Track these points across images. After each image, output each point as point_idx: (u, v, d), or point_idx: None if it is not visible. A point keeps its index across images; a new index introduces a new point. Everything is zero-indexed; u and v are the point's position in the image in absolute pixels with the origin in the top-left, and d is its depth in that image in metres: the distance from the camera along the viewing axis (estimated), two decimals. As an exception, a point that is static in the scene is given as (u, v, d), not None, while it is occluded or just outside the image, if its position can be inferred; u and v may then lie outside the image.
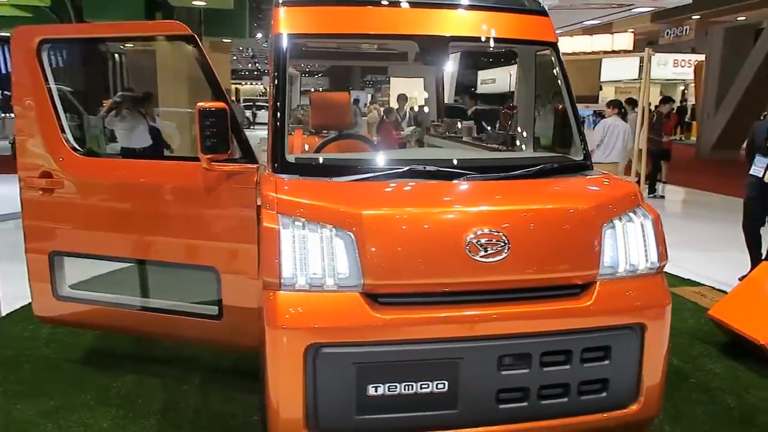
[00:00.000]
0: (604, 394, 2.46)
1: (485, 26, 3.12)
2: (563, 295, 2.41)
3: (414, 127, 9.48)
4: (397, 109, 10.91)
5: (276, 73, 2.94)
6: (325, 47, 4.66)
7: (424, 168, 2.68)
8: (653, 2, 9.59)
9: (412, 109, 11.19)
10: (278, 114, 2.87)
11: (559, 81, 3.21)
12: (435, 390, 2.30)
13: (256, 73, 53.30)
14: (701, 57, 20.39)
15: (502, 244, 2.30)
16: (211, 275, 3.19)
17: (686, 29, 11.28)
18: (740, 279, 5.53)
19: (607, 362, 2.43)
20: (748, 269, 5.62)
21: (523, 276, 2.35)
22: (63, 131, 3.39)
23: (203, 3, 9.71)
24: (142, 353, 3.88)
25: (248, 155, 3.05)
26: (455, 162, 2.79)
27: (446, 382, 2.30)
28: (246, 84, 53.17)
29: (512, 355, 2.34)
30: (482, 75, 27.53)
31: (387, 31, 3.09)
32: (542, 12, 3.29)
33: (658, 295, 2.51)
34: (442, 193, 2.52)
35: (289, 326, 2.24)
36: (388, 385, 2.27)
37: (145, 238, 3.30)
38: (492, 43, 3.17)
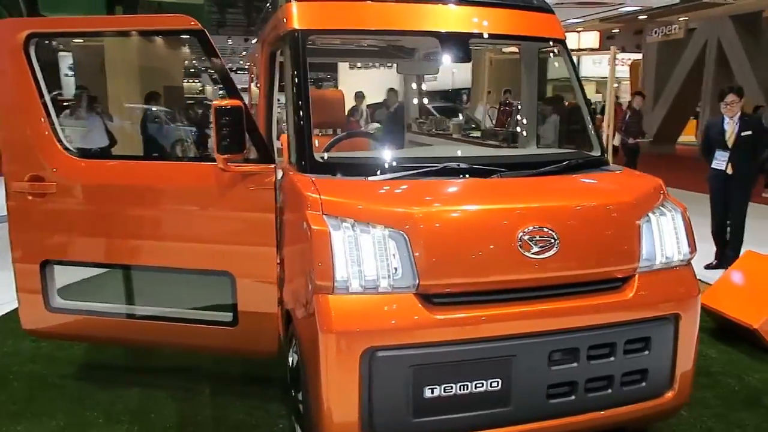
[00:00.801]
0: (644, 384, 2.52)
1: (500, 23, 3.14)
2: (606, 288, 2.45)
3: (377, 124, 9.43)
4: (354, 107, 10.80)
5: (296, 71, 2.84)
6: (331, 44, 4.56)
7: (458, 165, 2.67)
8: (642, 1, 9.92)
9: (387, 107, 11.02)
10: (301, 112, 2.77)
11: (570, 78, 3.27)
12: (489, 389, 2.29)
13: (192, 70, 51.98)
14: (638, 56, 21.32)
15: (552, 240, 2.31)
16: (217, 280, 3.07)
17: (675, 28, 11.75)
18: (706, 267, 5.84)
19: (646, 353, 2.48)
20: (713, 258, 5.96)
21: (571, 271, 2.38)
22: (56, 133, 3.18)
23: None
24: (138, 364, 3.70)
25: (264, 155, 2.94)
26: (489, 159, 2.79)
27: (500, 380, 2.29)
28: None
29: (562, 350, 2.36)
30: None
31: (403, 28, 3.04)
32: (550, 10, 3.34)
33: (691, 286, 2.59)
34: (488, 191, 2.51)
35: (345, 330, 2.17)
36: (444, 386, 2.25)
37: (153, 243, 3.13)
38: (507, 40, 3.18)
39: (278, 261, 2.94)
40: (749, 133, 5.81)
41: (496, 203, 2.41)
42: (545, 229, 2.31)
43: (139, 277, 3.33)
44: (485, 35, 3.11)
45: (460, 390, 2.26)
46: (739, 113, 5.84)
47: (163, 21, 3.20)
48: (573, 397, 2.41)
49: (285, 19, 3.00)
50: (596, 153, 3.08)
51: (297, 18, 2.93)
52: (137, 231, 3.13)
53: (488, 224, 2.32)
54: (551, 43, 3.29)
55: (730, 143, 5.81)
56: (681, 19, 13.30)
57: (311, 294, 2.25)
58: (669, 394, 2.59)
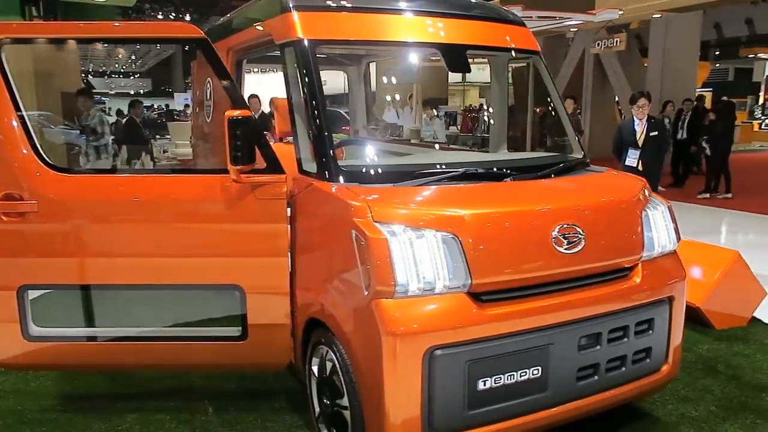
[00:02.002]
0: (648, 360, 2.82)
1: (488, 36, 3.35)
2: (618, 277, 2.72)
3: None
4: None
5: (308, 80, 2.87)
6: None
7: (477, 170, 2.83)
8: (586, 17, 10.57)
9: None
10: (318, 121, 2.80)
11: (547, 86, 3.55)
12: (531, 376, 2.47)
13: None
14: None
15: (580, 235, 2.53)
16: (213, 295, 3.01)
17: (617, 41, 12.64)
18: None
19: (651, 332, 2.78)
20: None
21: (594, 263, 2.61)
22: (34, 146, 2.95)
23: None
24: (125, 390, 3.49)
25: (274, 165, 2.93)
26: (498, 164, 2.97)
27: (540, 368, 2.48)
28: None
29: (588, 336, 2.59)
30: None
31: (401, 39, 3.15)
32: (524, 24, 3.60)
33: (680, 271, 2.93)
34: (518, 193, 2.70)
35: (409, 333, 2.25)
36: (494, 377, 2.39)
37: (156, 260, 2.99)
38: (493, 51, 3.39)
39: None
40: (656, 133, 6.55)
41: (532, 204, 2.59)
42: (574, 226, 2.53)
43: (130, 297, 3.17)
44: (475, 47, 3.29)
45: (507, 380, 2.42)
46: (647, 115, 6.56)
47: (163, 29, 3.08)
48: (596, 378, 2.65)
49: (285, 29, 3.00)
50: (579, 155, 3.38)
51: (301, 28, 2.95)
52: (137, 249, 2.97)
53: (528, 224, 2.50)
54: (529, 54, 3.55)
55: (640, 143, 6.50)
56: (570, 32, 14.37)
57: (369, 299, 2.30)
58: (665, 368, 2.91)
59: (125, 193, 2.97)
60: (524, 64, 3.78)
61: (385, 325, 2.24)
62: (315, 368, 2.87)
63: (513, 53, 3.48)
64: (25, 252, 2.99)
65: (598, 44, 13.00)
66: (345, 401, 2.56)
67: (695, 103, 12.80)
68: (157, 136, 14.49)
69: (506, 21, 3.47)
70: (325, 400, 2.76)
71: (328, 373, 2.72)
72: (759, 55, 23.70)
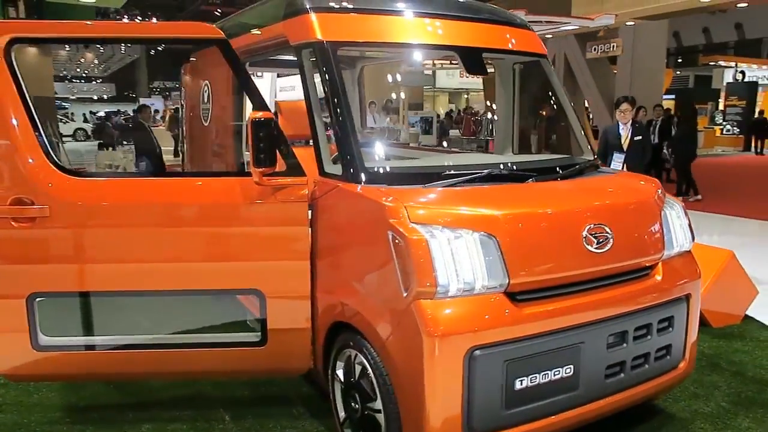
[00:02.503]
0: (668, 357, 2.87)
1: (502, 39, 3.39)
2: (641, 276, 2.77)
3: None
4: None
5: (330, 82, 2.85)
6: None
7: (501, 171, 2.86)
8: (581, 22, 10.71)
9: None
10: (346, 124, 2.78)
11: (554, 89, 3.61)
12: (564, 375, 2.49)
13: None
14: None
15: (608, 235, 2.58)
16: (225, 300, 2.95)
17: (614, 46, 12.82)
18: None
19: (671, 330, 2.84)
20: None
21: (622, 262, 2.66)
22: (45, 149, 2.86)
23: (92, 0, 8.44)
24: (133, 399, 3.39)
25: (295, 167, 2.90)
26: (520, 165, 3.00)
27: (572, 366, 2.51)
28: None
29: (615, 334, 2.63)
30: (281, 82, 27.68)
31: (420, 41, 3.16)
32: (531, 28, 3.66)
33: (695, 269, 3.00)
34: (547, 194, 2.73)
35: (450, 333, 2.25)
36: (530, 376, 2.41)
37: (171, 266, 2.92)
38: (506, 54, 3.43)
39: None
40: (640, 137, 6.71)
41: (562, 204, 2.63)
42: (602, 226, 2.57)
43: (144, 304, 3.08)
44: (490, 49, 3.33)
45: (542, 379, 2.44)
46: (631, 120, 6.72)
47: (182, 29, 3.02)
48: (622, 375, 2.69)
49: (302, 30, 2.98)
50: (590, 157, 3.43)
51: (321, 29, 2.94)
52: (155, 254, 2.90)
53: (560, 224, 2.53)
54: (537, 57, 3.60)
55: (625, 146, 6.65)
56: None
57: (408, 301, 2.29)
58: (682, 365, 2.97)
59: (142, 197, 2.90)
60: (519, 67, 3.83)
61: (427, 327, 2.24)
62: (340, 372, 2.84)
63: (524, 56, 3.52)
64: (35, 259, 2.89)
65: (594, 49, 13.24)
66: (378, 404, 2.54)
67: (665, 108, 13.20)
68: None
69: (515, 25, 3.52)
70: (353, 404, 2.73)
71: (356, 377, 2.69)
72: (720, 62, 24.54)
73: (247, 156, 4.61)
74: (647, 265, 2.80)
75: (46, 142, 2.88)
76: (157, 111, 29.47)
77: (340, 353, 2.83)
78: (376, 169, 2.75)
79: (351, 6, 3.06)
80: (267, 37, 3.45)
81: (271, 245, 2.92)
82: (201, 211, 2.90)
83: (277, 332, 2.96)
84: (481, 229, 2.36)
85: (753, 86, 23.75)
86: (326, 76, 2.87)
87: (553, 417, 2.50)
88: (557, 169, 3.05)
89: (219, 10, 29.15)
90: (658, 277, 2.80)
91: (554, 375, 2.46)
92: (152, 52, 38.84)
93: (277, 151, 2.77)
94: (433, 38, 3.15)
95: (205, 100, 4.65)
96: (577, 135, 3.52)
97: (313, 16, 2.98)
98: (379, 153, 3.44)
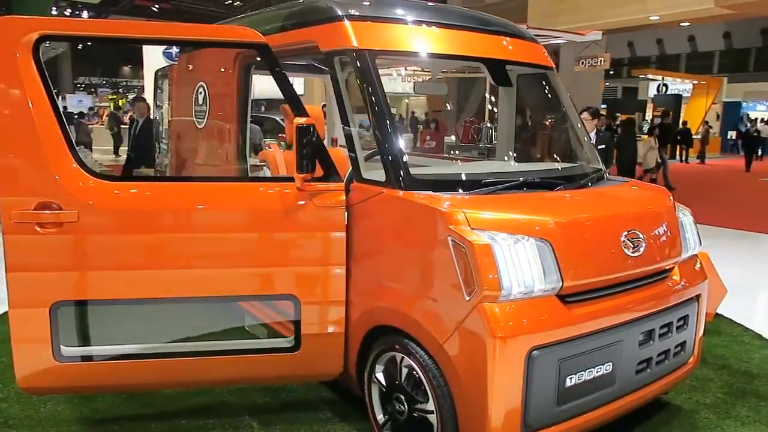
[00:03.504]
0: (683, 353, 3.09)
1: (522, 52, 3.53)
2: (663, 278, 2.97)
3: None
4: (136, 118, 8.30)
5: (371, 90, 2.90)
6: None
7: (534, 179, 2.99)
8: (571, 36, 10.97)
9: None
10: (389, 130, 2.84)
11: (563, 101, 3.79)
12: (604, 372, 2.64)
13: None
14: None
15: (641, 240, 2.75)
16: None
17: (601, 60, 13.14)
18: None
19: (686, 328, 3.06)
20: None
21: (651, 266, 2.84)
22: (73, 151, 2.76)
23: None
24: (153, 409, 3.28)
25: (332, 173, 2.92)
26: (545, 173, 3.15)
27: (611, 363, 2.66)
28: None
29: (645, 332, 2.80)
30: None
31: (450, 52, 3.25)
32: (538, 41, 3.83)
33: (703, 270, 3.24)
34: (585, 201, 2.88)
35: (514, 335, 2.35)
36: (578, 374, 2.54)
37: (206, 272, 2.87)
38: (524, 67, 3.58)
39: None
40: (603, 147, 7.07)
41: (603, 211, 2.79)
42: (636, 231, 2.75)
43: (175, 310, 3.01)
44: (512, 62, 3.46)
45: (587, 376, 2.58)
46: (595, 130, 7.07)
47: (221, 32, 2.97)
48: (648, 371, 2.87)
49: (336, 37, 3.01)
50: (599, 166, 3.63)
51: (356, 37, 2.98)
52: (190, 260, 2.84)
53: (604, 229, 2.69)
54: (546, 69, 3.77)
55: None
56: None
57: (472, 304, 2.37)
58: (692, 360, 3.20)
59: (177, 202, 2.84)
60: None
61: (492, 329, 2.32)
62: (380, 375, 2.88)
63: (538, 68, 3.67)
64: (61, 266, 2.77)
65: (582, 63, 13.71)
66: (430, 405, 2.60)
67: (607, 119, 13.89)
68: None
69: (527, 39, 3.68)
70: (397, 406, 2.78)
71: (402, 380, 2.75)
72: (648, 75, 26.08)
73: (252, 160, 4.59)
74: (667, 267, 3.00)
75: (74, 144, 2.78)
76: (92, 108, 28.19)
77: (379, 357, 2.87)
78: (420, 177, 2.81)
79: (383, 15, 3.11)
80: (289, 41, 3.44)
81: (309, 251, 2.92)
82: (240, 216, 2.87)
83: (310, 337, 2.97)
84: (537, 235, 2.47)
85: (678, 98, 25.37)
86: (366, 84, 2.91)
87: (594, 412, 2.65)
88: (578, 177, 3.21)
89: (156, 6, 28.28)
90: (676, 279, 3.01)
91: (597, 372, 2.61)
92: (80, 47, 37.16)
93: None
94: (462, 49, 3.25)
95: (200, 102, 4.56)
96: (585, 145, 3.71)
97: (347, 23, 3.01)
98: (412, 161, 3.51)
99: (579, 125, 3.75)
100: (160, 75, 7.04)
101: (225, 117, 4.24)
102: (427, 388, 2.60)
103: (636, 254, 2.73)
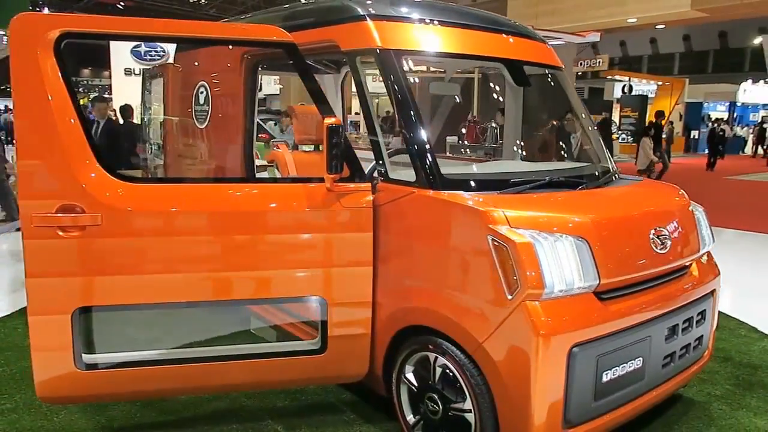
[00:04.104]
0: (700, 346, 3.17)
1: (537, 53, 3.57)
2: (684, 273, 3.04)
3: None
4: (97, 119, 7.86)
5: (400, 90, 2.89)
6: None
7: (559, 178, 3.03)
8: (571, 38, 11.04)
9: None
10: (420, 130, 2.83)
11: (574, 101, 3.85)
12: (635, 367, 2.69)
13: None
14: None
15: (667, 236, 2.81)
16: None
17: (599, 61, 13.22)
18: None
19: (703, 322, 3.14)
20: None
21: (675, 262, 2.90)
22: (96, 152, 2.68)
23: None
24: (173, 416, 3.20)
25: (359, 173, 2.91)
26: (568, 173, 3.19)
27: (641, 358, 2.71)
28: None
29: (671, 327, 2.87)
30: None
31: (472, 53, 3.27)
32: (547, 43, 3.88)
33: (716, 266, 3.32)
34: (615, 199, 2.93)
35: (558, 332, 2.37)
36: (613, 369, 2.58)
37: (234, 275, 2.82)
38: (537, 67, 3.61)
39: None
40: None
41: (633, 209, 2.84)
42: (662, 229, 2.81)
43: (199, 315, 2.95)
44: (529, 63, 3.49)
45: (621, 371, 2.62)
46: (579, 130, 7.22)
47: (247, 31, 2.91)
48: (672, 365, 2.94)
49: (359, 37, 3.00)
50: (610, 165, 3.69)
51: (381, 37, 2.97)
52: (219, 263, 2.79)
53: (635, 227, 2.74)
54: (556, 70, 3.82)
55: (575, 152, 7.14)
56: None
57: (515, 303, 2.38)
58: (706, 354, 3.28)
59: (205, 204, 2.78)
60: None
61: (537, 327, 2.34)
62: (410, 376, 2.88)
63: (550, 69, 3.72)
64: (83, 271, 2.68)
65: (581, 63, 13.86)
66: (467, 404, 2.61)
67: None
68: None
69: (538, 40, 3.72)
70: (430, 406, 2.78)
71: (436, 379, 2.75)
72: (616, 77, 26.65)
73: (259, 161, 4.51)
74: (687, 264, 3.07)
75: (97, 145, 2.70)
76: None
77: (409, 357, 2.87)
78: (452, 176, 2.81)
79: (405, 15, 3.11)
80: (305, 41, 3.40)
81: (337, 252, 2.90)
82: (271, 218, 2.83)
83: (337, 339, 2.95)
84: (574, 233, 2.50)
85: (644, 99, 26.01)
86: (393, 84, 2.90)
87: (627, 406, 2.70)
88: (597, 176, 3.26)
89: (122, 3, 27.57)
90: (695, 274, 3.09)
91: (629, 367, 2.65)
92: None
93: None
94: (483, 50, 3.27)
95: (201, 101, 4.48)
96: (596, 144, 3.76)
97: (371, 23, 3.00)
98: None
99: (591, 126, 3.80)
100: (148, 75, 6.89)
101: (230, 117, 4.17)
102: (464, 387, 2.60)
103: (663, 251, 2.78)
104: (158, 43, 14.96)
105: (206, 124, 4.41)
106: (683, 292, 2.95)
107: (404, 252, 2.84)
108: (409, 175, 2.84)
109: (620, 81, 27.58)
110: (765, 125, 26.14)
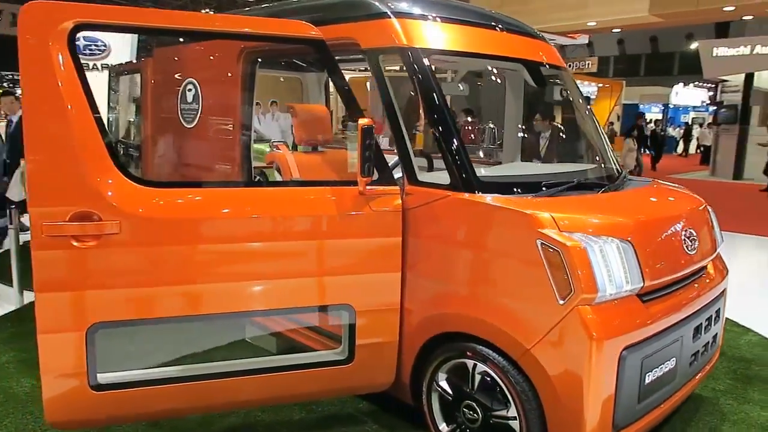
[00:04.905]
0: (715, 345, 3.24)
1: (548, 54, 3.57)
2: (703, 273, 3.09)
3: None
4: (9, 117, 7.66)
5: (429, 90, 2.82)
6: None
7: (585, 180, 3.03)
8: (563, 40, 11.01)
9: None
10: (453, 131, 2.77)
11: (580, 101, 3.87)
12: (670, 367, 2.71)
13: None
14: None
15: (695, 237, 2.85)
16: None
17: (588, 63, 13.23)
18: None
19: (718, 320, 3.21)
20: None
21: (701, 262, 2.95)
22: (114, 155, 2.47)
23: None
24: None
25: (388, 176, 2.81)
26: (590, 173, 3.20)
27: (675, 359, 2.74)
28: None
29: (697, 327, 2.91)
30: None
31: (493, 53, 3.23)
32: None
33: (725, 265, 3.41)
34: (647, 201, 2.96)
35: (610, 336, 2.35)
36: (653, 371, 2.59)
37: (260, 284, 2.67)
38: (552, 69, 3.59)
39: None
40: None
41: (666, 212, 2.86)
42: (691, 230, 2.84)
43: (223, 327, 2.78)
44: (543, 64, 3.48)
45: (659, 372, 2.64)
46: (550, 129, 7.38)
47: (275, 26, 2.75)
48: (696, 363, 2.99)
49: (381, 35, 2.91)
50: (617, 167, 3.73)
51: (406, 36, 2.89)
52: (247, 272, 2.63)
53: (671, 228, 2.76)
54: (561, 70, 3.83)
55: (542, 153, 7.28)
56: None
57: (568, 307, 2.34)
58: (717, 352, 3.36)
59: (231, 210, 2.61)
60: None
61: (593, 332, 2.31)
62: (444, 383, 2.81)
63: (556, 69, 3.72)
64: (99, 283, 2.47)
65: (570, 66, 14.02)
66: (512, 411, 2.56)
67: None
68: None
69: (545, 41, 3.72)
70: (469, 414, 2.71)
71: (475, 387, 2.68)
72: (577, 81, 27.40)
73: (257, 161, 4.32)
74: (706, 264, 3.13)
75: (114, 146, 2.49)
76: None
77: (442, 364, 2.80)
78: (487, 179, 2.76)
79: (427, 13, 3.03)
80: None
81: (366, 257, 2.80)
82: (302, 223, 2.69)
83: (365, 348, 2.84)
84: (619, 236, 2.49)
85: (587, 100, 26.81)
86: (423, 84, 2.82)
87: (662, 406, 2.72)
88: (615, 178, 3.29)
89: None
90: (712, 273, 3.15)
91: (665, 368, 2.68)
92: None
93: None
94: (504, 50, 3.24)
95: (189, 99, 4.26)
96: (605, 145, 3.79)
97: (395, 21, 2.91)
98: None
99: (599, 127, 3.83)
100: (114, 74, 6.53)
101: (226, 116, 3.99)
102: (508, 393, 2.55)
103: (693, 252, 2.82)
104: (99, 38, 14.26)
105: (195, 123, 4.20)
106: (706, 291, 3.00)
107: (438, 257, 2.77)
108: (441, 177, 2.77)
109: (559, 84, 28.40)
110: (691, 125, 27.58)
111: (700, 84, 31.47)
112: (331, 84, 5.31)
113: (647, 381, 2.56)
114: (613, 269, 2.41)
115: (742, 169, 16.35)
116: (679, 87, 31.00)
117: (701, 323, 2.94)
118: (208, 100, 4.05)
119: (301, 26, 2.69)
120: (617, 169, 3.52)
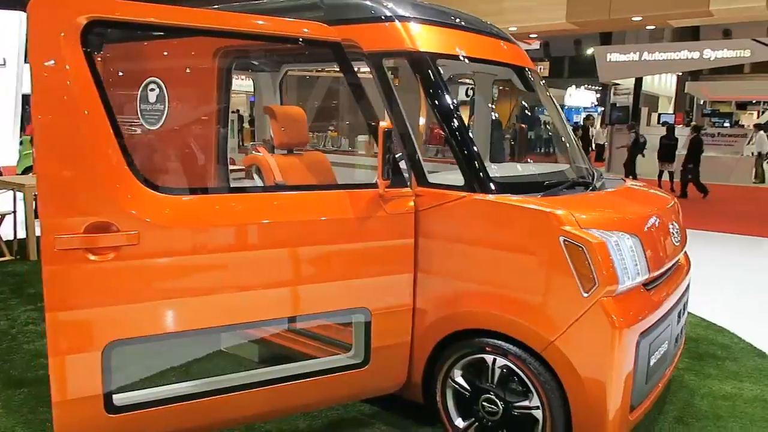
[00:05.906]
0: (684, 329, 3.55)
1: (525, 58, 3.73)
2: (678, 263, 3.37)
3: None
4: None
5: (440, 94, 2.88)
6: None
7: (580, 180, 3.22)
8: (524, 45, 10.95)
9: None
10: (466, 134, 2.84)
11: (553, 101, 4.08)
12: (665, 350, 2.96)
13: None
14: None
15: (678, 229, 3.12)
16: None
17: (541, 68, 13.14)
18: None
19: (685, 311, 3.50)
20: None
21: (681, 253, 3.22)
22: (130, 162, 2.33)
23: None
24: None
25: (401, 178, 2.85)
26: (581, 173, 3.39)
27: (667, 342, 2.98)
28: None
29: (679, 312, 3.18)
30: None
31: (490, 58, 3.34)
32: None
33: (687, 255, 3.73)
34: (637, 198, 3.17)
35: (630, 324, 2.52)
36: (655, 353, 2.82)
37: (282, 291, 2.61)
38: (529, 72, 3.75)
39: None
40: None
41: (658, 206, 3.09)
42: (674, 223, 3.10)
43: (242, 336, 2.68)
44: (525, 68, 3.63)
45: (659, 354, 2.87)
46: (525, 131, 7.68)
47: (290, 27, 2.67)
48: (676, 345, 3.26)
49: (386, 39, 2.94)
50: (589, 166, 3.96)
51: (411, 39, 2.94)
52: (271, 279, 2.56)
53: (664, 222, 2.99)
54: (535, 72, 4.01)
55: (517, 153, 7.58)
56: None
57: (592, 300, 2.48)
58: (683, 339, 3.67)
59: (252, 216, 2.53)
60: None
61: (615, 321, 2.46)
62: (459, 380, 2.88)
63: (535, 72, 3.89)
64: (117, 299, 2.32)
65: None
66: (534, 402, 2.67)
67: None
68: None
69: (519, 46, 3.89)
70: (487, 407, 2.80)
71: (494, 381, 2.77)
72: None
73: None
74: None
75: (131, 152, 2.34)
76: None
77: (458, 361, 2.87)
78: (500, 180, 2.85)
79: (430, 18, 3.08)
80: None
81: (381, 259, 2.81)
82: (324, 227, 2.66)
83: (380, 350, 2.86)
84: (629, 231, 2.68)
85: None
86: (432, 88, 2.87)
87: (657, 386, 2.96)
88: (597, 178, 3.50)
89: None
90: (683, 263, 3.45)
91: (662, 351, 2.91)
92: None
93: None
94: (499, 56, 3.37)
95: (153, 99, 4.04)
96: (578, 146, 4.00)
97: (400, 24, 2.94)
98: None
99: (568, 128, 4.04)
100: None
101: (197, 118, 3.83)
102: (531, 385, 2.66)
103: (677, 243, 3.08)
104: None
105: (159, 125, 3.99)
106: (683, 279, 3.28)
107: (454, 257, 2.83)
108: (452, 179, 2.84)
109: (467, 84, 29.46)
110: (585, 125, 29.53)
111: (590, 87, 33.70)
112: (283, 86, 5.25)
113: (651, 363, 2.77)
114: (628, 262, 2.59)
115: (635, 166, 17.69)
116: (572, 89, 33.02)
117: (681, 309, 3.22)
118: (177, 100, 3.87)
119: (317, 28, 2.65)
120: (592, 169, 3.75)
